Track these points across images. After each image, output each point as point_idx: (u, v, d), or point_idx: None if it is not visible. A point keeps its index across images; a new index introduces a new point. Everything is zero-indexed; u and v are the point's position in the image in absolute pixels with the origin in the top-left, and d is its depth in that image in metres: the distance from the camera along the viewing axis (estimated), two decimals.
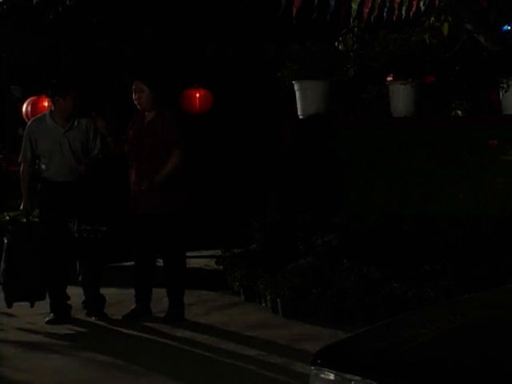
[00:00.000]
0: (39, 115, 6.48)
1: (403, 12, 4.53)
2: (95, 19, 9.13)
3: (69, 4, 7.99)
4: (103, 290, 6.41)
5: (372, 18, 4.37)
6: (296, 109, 7.46)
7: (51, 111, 6.18)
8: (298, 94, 7.42)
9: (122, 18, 9.59)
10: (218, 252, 7.26)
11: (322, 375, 2.60)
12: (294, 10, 4.11)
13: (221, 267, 7.06)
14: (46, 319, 6.12)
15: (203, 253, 8.57)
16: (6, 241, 5.99)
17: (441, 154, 6.94)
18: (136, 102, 6.08)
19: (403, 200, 6.97)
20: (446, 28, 6.30)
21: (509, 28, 7.33)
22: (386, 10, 4.36)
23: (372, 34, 6.98)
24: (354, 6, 4.17)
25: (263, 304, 6.43)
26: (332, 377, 2.57)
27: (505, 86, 6.71)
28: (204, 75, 9.84)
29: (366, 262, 6.17)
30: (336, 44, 6.62)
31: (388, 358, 2.57)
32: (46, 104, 8.70)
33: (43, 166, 6.11)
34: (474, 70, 6.96)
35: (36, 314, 6.25)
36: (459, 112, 7.63)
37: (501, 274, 5.72)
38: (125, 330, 5.92)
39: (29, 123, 6.36)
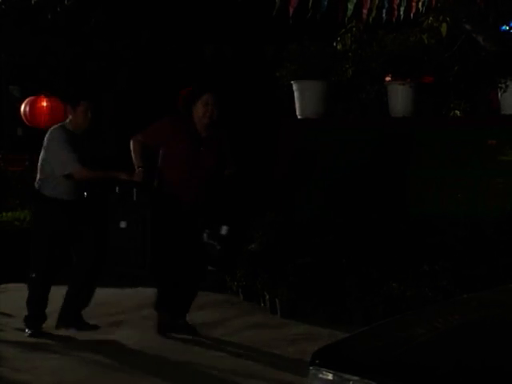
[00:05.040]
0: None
1: (402, 13, 4.51)
2: (93, 19, 9.13)
3: (67, 4, 7.98)
4: (103, 290, 6.41)
5: (370, 18, 4.36)
6: (294, 109, 7.47)
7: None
8: (296, 94, 7.42)
9: (120, 18, 9.59)
10: None
11: (321, 375, 2.60)
12: (291, 10, 4.10)
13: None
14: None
15: None
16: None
17: (439, 154, 6.94)
18: (207, 115, 5.55)
19: (402, 200, 6.96)
20: (444, 28, 6.30)
21: (507, 28, 7.34)
22: (384, 10, 4.35)
23: (370, 34, 6.99)
24: (350, 6, 4.16)
25: (262, 304, 6.44)
26: (330, 377, 2.57)
27: (503, 86, 6.72)
28: (203, 76, 9.84)
29: (365, 262, 6.17)
30: (334, 44, 6.62)
31: (386, 358, 2.57)
32: (44, 104, 8.69)
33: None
34: (473, 71, 6.97)
35: None
36: (458, 112, 7.64)
37: (500, 274, 5.72)
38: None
39: None
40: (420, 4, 4.79)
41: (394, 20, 4.32)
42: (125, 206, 7.66)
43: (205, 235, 5.56)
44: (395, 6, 4.30)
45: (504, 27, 7.36)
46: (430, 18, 6.34)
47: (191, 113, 5.58)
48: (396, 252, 6.25)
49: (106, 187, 6.39)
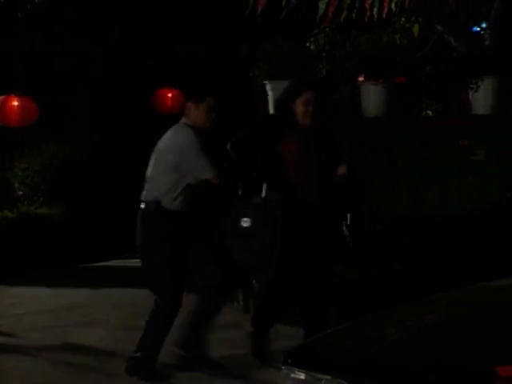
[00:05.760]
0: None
1: (374, 13, 4.54)
2: (65, 17, 9.07)
3: (37, 2, 7.91)
4: (76, 291, 6.37)
5: (342, 18, 4.39)
6: (268, 109, 7.47)
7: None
8: (270, 95, 7.42)
9: (91, 16, 9.54)
10: None
11: (293, 375, 2.61)
12: (259, 8, 4.11)
13: None
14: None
15: None
16: None
17: (411, 154, 6.98)
18: (307, 115, 5.02)
19: (375, 200, 6.99)
20: (416, 29, 6.36)
21: (478, 29, 7.41)
22: (355, 10, 4.38)
23: (344, 35, 7.01)
24: (322, 5, 4.18)
25: (235, 304, 6.42)
26: (303, 376, 2.58)
27: (474, 86, 6.78)
28: (176, 75, 9.82)
29: (341, 261, 6.18)
30: (308, 44, 6.64)
31: (358, 357, 2.58)
32: (15, 103, 8.61)
33: None
34: (444, 71, 7.02)
35: (8, 316, 6.19)
36: (430, 112, 7.70)
37: (471, 272, 5.77)
38: None
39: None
40: (392, 4, 4.82)
41: (366, 20, 4.35)
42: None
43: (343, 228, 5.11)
44: (367, 6, 4.33)
45: (475, 28, 7.43)
46: (403, 19, 6.40)
47: (290, 111, 5.05)
48: (370, 252, 6.27)
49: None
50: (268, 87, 7.44)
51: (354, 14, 4.35)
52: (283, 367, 2.67)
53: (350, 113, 7.60)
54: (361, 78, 7.36)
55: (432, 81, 7.11)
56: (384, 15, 4.86)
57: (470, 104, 7.05)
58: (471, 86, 6.81)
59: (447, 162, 6.81)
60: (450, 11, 6.36)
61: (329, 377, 2.53)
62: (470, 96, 6.94)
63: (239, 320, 6.00)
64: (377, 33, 6.89)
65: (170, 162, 4.75)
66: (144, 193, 4.85)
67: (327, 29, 6.57)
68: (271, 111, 7.53)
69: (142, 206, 4.81)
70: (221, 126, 10.04)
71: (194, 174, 4.74)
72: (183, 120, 4.92)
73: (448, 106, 7.64)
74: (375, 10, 4.47)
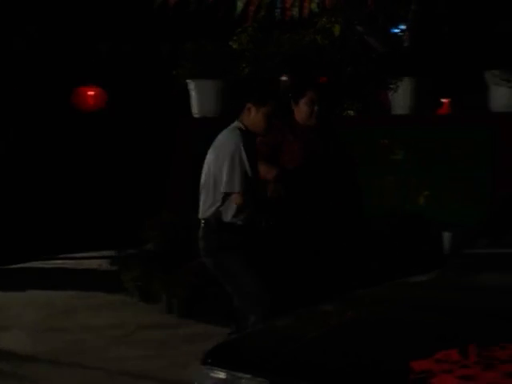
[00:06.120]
0: None
1: (295, 13, 4.59)
2: None
3: None
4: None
5: (261, 17, 4.41)
6: (191, 108, 7.45)
7: None
8: (193, 93, 7.40)
9: (13, 13, 9.32)
10: (113, 253, 7.16)
11: (212, 374, 2.59)
12: (171, 3, 4.09)
13: (115, 268, 6.96)
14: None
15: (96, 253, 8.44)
16: None
17: None
18: (313, 115, 4.67)
19: None
20: (337, 29, 6.46)
21: (397, 30, 7.57)
22: (277, 10, 4.41)
23: (267, 34, 7.05)
24: (240, 3, 4.19)
25: (158, 304, 6.38)
26: (222, 375, 2.57)
27: (394, 86, 6.91)
28: (98, 73, 9.68)
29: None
30: (231, 43, 6.64)
31: (279, 355, 2.58)
32: None
33: None
34: (365, 71, 7.14)
35: None
36: (351, 112, 7.81)
37: (391, 269, 5.86)
38: None
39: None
40: (313, 5, 4.89)
41: (286, 20, 4.38)
42: None
43: None
44: (288, 6, 4.37)
45: (394, 29, 7.58)
46: (323, 20, 6.48)
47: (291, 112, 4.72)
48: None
49: None
50: (191, 86, 7.43)
51: (276, 14, 4.38)
52: (203, 367, 2.66)
53: None
54: (283, 78, 7.41)
55: (353, 81, 7.22)
56: (305, 15, 4.91)
57: (389, 104, 7.18)
58: (390, 86, 6.93)
59: (367, 161, 6.91)
60: (369, 13, 6.47)
61: (249, 375, 2.53)
62: (390, 96, 7.07)
63: (162, 320, 5.97)
64: (299, 33, 6.95)
65: (226, 171, 4.25)
66: (201, 208, 4.40)
67: (250, 28, 6.59)
68: (194, 110, 7.51)
69: (202, 223, 4.38)
70: (142, 125, 9.98)
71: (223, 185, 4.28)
72: (236, 124, 4.40)
73: (368, 106, 7.76)
74: (296, 10, 4.51)
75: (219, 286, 6.03)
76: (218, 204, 4.29)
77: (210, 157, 4.40)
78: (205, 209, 4.36)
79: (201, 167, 4.49)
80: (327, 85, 5.12)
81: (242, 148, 4.22)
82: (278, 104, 4.43)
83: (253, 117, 4.38)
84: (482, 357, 2.20)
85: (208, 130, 7.42)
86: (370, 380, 2.34)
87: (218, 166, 4.28)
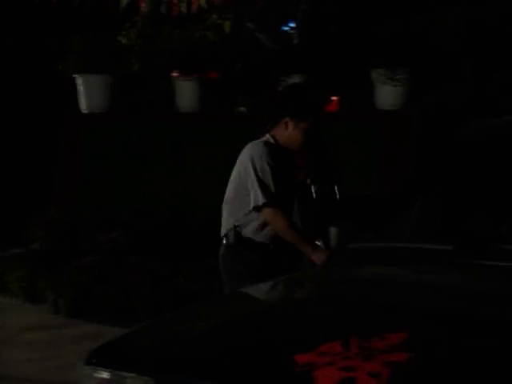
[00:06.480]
0: None
1: (183, 8, 4.56)
2: None
3: None
4: None
5: (149, 11, 4.37)
6: (79, 104, 7.30)
7: None
8: (80, 89, 7.25)
9: None
10: None
11: (96, 374, 2.54)
12: None
13: None
14: None
15: None
16: None
17: (225, 150, 7.05)
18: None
19: (190, 195, 7.02)
20: (227, 26, 6.49)
21: (287, 28, 7.66)
22: (162, 4, 4.37)
23: (157, 29, 6.98)
24: None
25: (45, 305, 6.24)
26: (106, 375, 2.51)
27: (284, 83, 6.98)
28: None
29: (153, 258, 6.18)
30: (120, 38, 6.55)
31: (164, 352, 2.56)
32: None
33: None
34: (256, 68, 7.19)
35: None
36: (243, 108, 7.85)
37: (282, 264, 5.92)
38: None
39: None
40: (202, 1, 4.87)
41: (176, 15, 4.35)
42: None
43: None
44: (175, 1, 4.34)
45: (284, 27, 7.67)
46: (214, 16, 6.48)
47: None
48: (184, 247, 6.31)
49: None
50: (78, 81, 7.27)
51: (162, 9, 4.34)
52: (87, 367, 2.59)
53: (165, 108, 7.60)
54: (175, 74, 7.37)
55: (245, 78, 7.27)
56: (194, 11, 4.89)
57: None
58: (281, 83, 7.01)
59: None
60: (259, 10, 6.52)
61: (134, 374, 2.49)
62: None
63: (49, 321, 5.84)
64: (189, 29, 6.93)
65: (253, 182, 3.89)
66: (223, 223, 4.07)
67: (139, 23, 6.51)
68: (82, 106, 7.35)
69: (224, 241, 4.04)
70: (27, 120, 9.69)
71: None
72: (265, 137, 3.98)
73: (260, 102, 7.82)
74: (183, 5, 4.48)
75: (109, 285, 5.99)
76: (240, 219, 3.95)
77: (233, 172, 4.04)
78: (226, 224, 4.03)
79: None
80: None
81: (265, 160, 3.85)
82: (317, 119, 4.04)
83: (289, 132, 3.99)
84: (362, 348, 2.24)
85: (96, 125, 7.37)
86: (255, 375, 2.35)
87: (238, 180, 3.95)
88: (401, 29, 6.43)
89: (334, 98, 7.85)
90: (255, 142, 4.00)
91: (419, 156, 4.75)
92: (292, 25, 7.71)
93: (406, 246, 3.19)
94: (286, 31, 7.61)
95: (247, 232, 3.93)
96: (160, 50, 6.98)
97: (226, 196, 4.06)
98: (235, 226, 3.92)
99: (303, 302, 2.93)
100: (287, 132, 3.99)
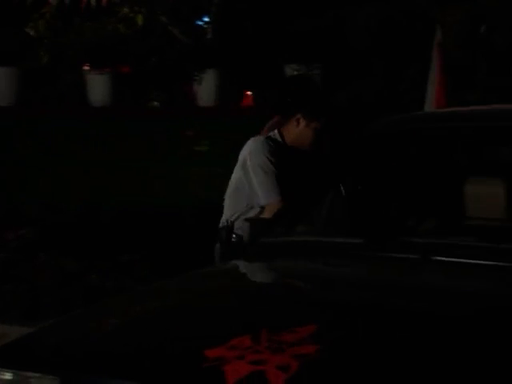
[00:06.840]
0: None
1: (92, 1, 4.47)
2: None
3: None
4: None
5: (56, 3, 4.27)
6: None
7: None
8: None
9: None
10: None
11: None
12: None
13: None
14: None
15: None
16: None
17: (139, 144, 7.00)
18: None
19: (102, 191, 6.93)
20: (140, 19, 6.40)
21: (201, 23, 7.62)
22: None
23: (67, 22, 6.83)
24: None
25: None
26: (8, 376, 2.44)
27: (198, 78, 6.96)
28: None
29: (65, 254, 6.08)
30: (27, 30, 6.38)
31: (70, 351, 2.50)
32: None
33: None
34: (170, 62, 7.13)
35: None
36: (156, 103, 7.78)
37: (198, 260, 5.91)
38: None
39: None
40: None
41: (82, 8, 4.25)
42: None
43: None
44: None
45: (198, 21, 7.63)
46: (125, 9, 6.39)
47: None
48: (96, 243, 6.23)
49: None
50: None
51: (66, 1, 4.24)
52: None
53: (76, 102, 7.46)
54: (86, 67, 7.24)
55: (158, 72, 7.20)
56: (103, 4, 4.80)
57: (194, 96, 7.22)
58: (195, 78, 6.99)
59: (173, 152, 6.93)
60: (172, 3, 6.47)
61: (38, 374, 2.42)
62: (195, 88, 7.11)
63: None
64: (101, 21, 6.80)
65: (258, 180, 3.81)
66: (222, 217, 4.02)
67: (48, 14, 6.35)
68: None
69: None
70: None
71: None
72: (272, 134, 3.91)
73: (174, 97, 7.77)
74: None
75: (16, 283, 5.84)
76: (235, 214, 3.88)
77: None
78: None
79: None
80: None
81: (264, 156, 3.76)
82: (330, 120, 3.92)
83: (300, 129, 3.86)
84: (272, 341, 2.25)
85: (2, 118, 7.17)
86: (164, 370, 2.32)
87: (236, 176, 3.89)
88: (313, 25, 6.49)
89: (248, 92, 7.88)
90: (256, 137, 3.91)
91: (332, 151, 4.76)
92: (206, 19, 7.68)
93: (317, 239, 3.23)
94: (200, 26, 7.57)
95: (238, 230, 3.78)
96: (70, 42, 6.83)
97: (226, 191, 3.99)
98: (227, 221, 3.79)
99: (214, 296, 2.92)
100: (298, 129, 3.86)
